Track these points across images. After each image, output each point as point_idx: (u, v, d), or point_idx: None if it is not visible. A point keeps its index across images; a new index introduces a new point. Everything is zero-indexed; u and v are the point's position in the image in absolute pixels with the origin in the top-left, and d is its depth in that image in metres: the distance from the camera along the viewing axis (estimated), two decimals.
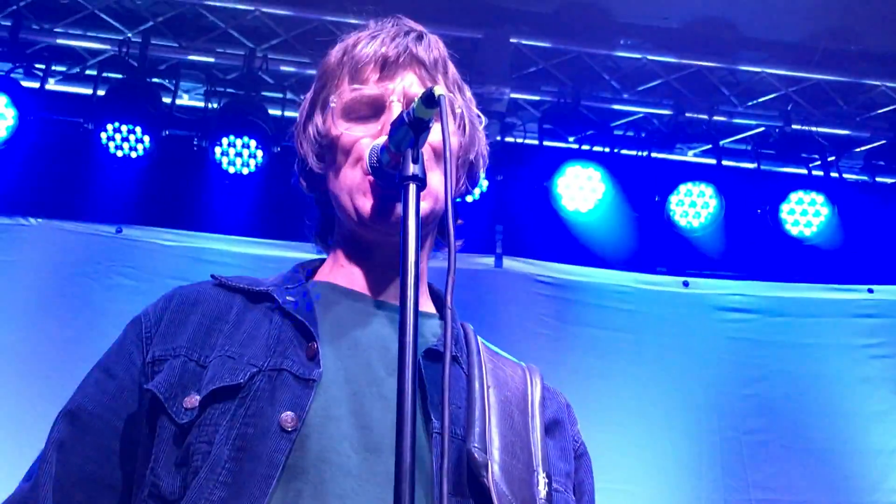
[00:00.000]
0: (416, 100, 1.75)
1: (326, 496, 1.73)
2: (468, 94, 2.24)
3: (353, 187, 2.02)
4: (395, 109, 2.01)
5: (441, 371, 1.67)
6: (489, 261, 6.38)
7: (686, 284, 6.50)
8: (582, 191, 6.33)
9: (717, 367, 6.25)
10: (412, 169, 1.75)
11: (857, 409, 6.16)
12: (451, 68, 2.19)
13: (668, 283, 6.50)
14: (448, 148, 1.75)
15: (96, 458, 1.90)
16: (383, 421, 1.80)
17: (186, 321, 1.98)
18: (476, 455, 1.83)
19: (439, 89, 1.73)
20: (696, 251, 6.56)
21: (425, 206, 1.89)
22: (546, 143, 6.59)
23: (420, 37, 2.14)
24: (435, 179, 1.94)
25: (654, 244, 6.57)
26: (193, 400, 1.82)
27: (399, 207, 1.75)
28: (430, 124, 1.77)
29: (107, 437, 1.92)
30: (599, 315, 6.33)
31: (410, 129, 1.77)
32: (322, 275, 2.15)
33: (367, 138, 2.02)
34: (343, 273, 2.11)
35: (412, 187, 1.74)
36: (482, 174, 2.27)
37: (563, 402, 2.18)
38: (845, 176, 6.75)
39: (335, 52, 2.16)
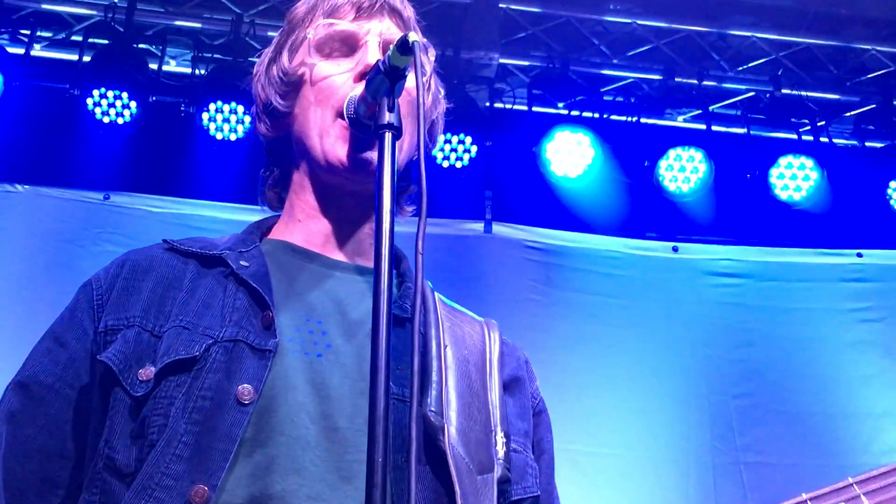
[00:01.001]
0: (392, 47, 1.70)
1: (285, 469, 1.71)
2: (432, 57, 2.18)
3: (324, 129, 1.96)
4: (372, 48, 1.98)
5: (405, 338, 1.67)
6: (478, 226, 6.35)
7: (675, 250, 6.48)
8: (571, 156, 6.28)
9: (707, 331, 6.24)
10: (388, 118, 1.70)
11: (845, 373, 6.17)
12: (418, 31, 2.14)
13: (657, 249, 6.48)
14: (421, 94, 1.70)
15: (49, 430, 1.86)
16: (341, 389, 1.79)
17: (139, 288, 1.93)
18: (432, 419, 1.81)
19: (414, 35, 1.69)
20: (685, 216, 6.54)
21: (399, 156, 1.83)
22: (535, 108, 6.56)
23: None
24: (407, 128, 1.87)
25: (644, 209, 6.54)
26: (148, 372, 1.78)
27: (373, 155, 1.71)
28: (406, 72, 1.72)
29: (59, 408, 1.87)
30: (589, 280, 6.30)
31: (386, 77, 1.72)
32: (277, 232, 2.09)
33: (340, 76, 1.97)
34: (300, 229, 2.05)
35: (388, 136, 1.69)
36: (439, 135, 2.23)
37: (521, 358, 2.14)
38: (835, 140, 6.72)
39: None
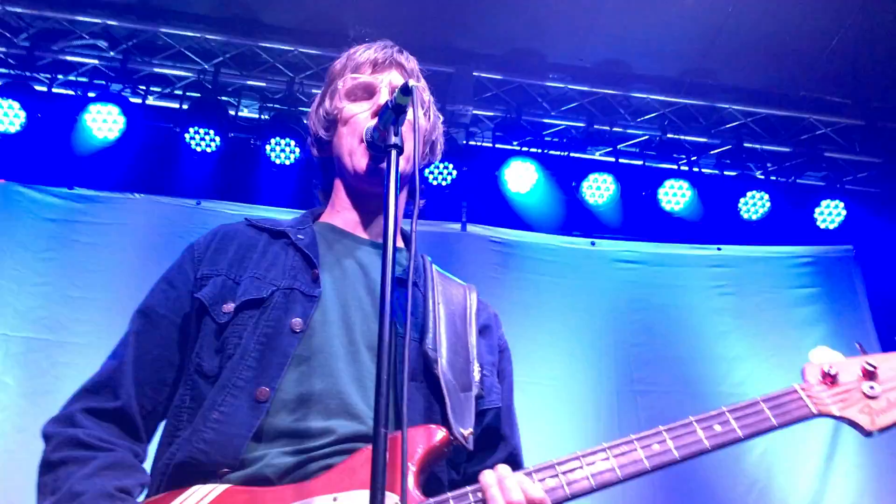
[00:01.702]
0: (397, 90, 1.73)
1: (322, 375, 1.74)
2: (431, 99, 2.19)
3: (352, 150, 2.00)
4: (384, 93, 1.99)
5: (405, 293, 1.71)
6: (457, 226, 6.32)
7: (593, 244, 6.48)
8: (522, 178, 6.28)
9: (613, 300, 6.23)
10: (393, 140, 1.73)
11: (709, 329, 6.18)
12: (422, 80, 2.16)
13: (580, 243, 6.47)
14: (417, 124, 1.75)
15: (162, 344, 1.88)
16: (362, 327, 1.82)
17: (226, 249, 1.96)
18: (429, 353, 1.84)
19: (413, 82, 1.72)
20: (600, 221, 6.53)
21: (402, 165, 1.86)
22: (497, 145, 6.54)
23: (401, 50, 2.13)
24: (408, 147, 1.91)
25: (571, 216, 6.52)
26: (230, 307, 1.82)
27: (383, 166, 1.73)
28: (406, 108, 1.74)
29: (169, 330, 1.89)
30: (533, 265, 6.29)
31: (392, 112, 1.74)
32: (323, 218, 2.12)
33: (363, 114, 1.99)
34: (339, 216, 2.07)
35: (394, 152, 1.71)
36: (440, 151, 2.23)
37: (491, 312, 2.16)
38: (703, 170, 6.72)
39: (340, 60, 2.15)
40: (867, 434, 1.61)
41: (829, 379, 1.63)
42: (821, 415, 1.65)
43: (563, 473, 1.64)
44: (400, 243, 2.09)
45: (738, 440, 1.64)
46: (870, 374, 1.61)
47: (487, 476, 1.64)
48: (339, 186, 2.09)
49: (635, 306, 6.23)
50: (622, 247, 6.45)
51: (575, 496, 1.63)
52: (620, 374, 5.95)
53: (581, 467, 1.64)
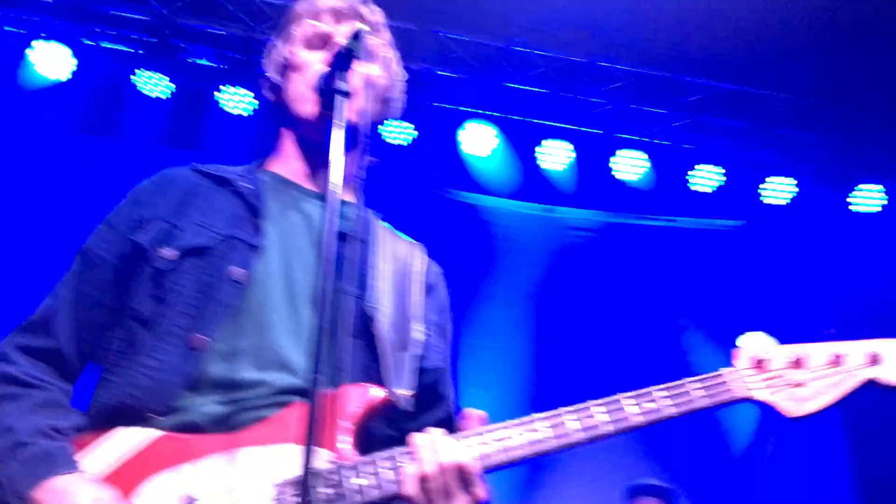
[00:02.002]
0: (350, 37, 1.70)
1: (260, 325, 1.74)
2: (395, 56, 2.13)
3: (302, 97, 1.96)
4: (338, 42, 1.94)
5: (349, 248, 1.68)
6: (416, 186, 6.25)
7: (548, 210, 6.51)
8: (480, 141, 6.27)
9: (565, 267, 6.35)
10: (340, 86, 1.70)
11: (657, 299, 6.29)
12: (387, 34, 2.10)
13: (535, 209, 6.54)
14: (369, 73, 1.71)
15: (99, 286, 1.86)
16: (303, 280, 1.81)
17: (169, 194, 1.92)
18: (370, 310, 1.83)
19: (364, 27, 1.69)
20: (556, 188, 6.51)
21: (351, 116, 1.80)
22: (459, 107, 6.42)
23: (365, 1, 2.07)
24: (362, 100, 1.89)
25: (529, 181, 6.50)
26: (169, 253, 1.79)
27: (331, 113, 1.68)
28: (358, 55, 1.71)
29: (106, 272, 1.86)
30: (487, 228, 6.41)
31: (343, 59, 1.72)
32: (272, 167, 2.06)
33: (317, 64, 1.94)
34: (287, 166, 2.03)
35: (340, 98, 1.68)
36: (397, 109, 2.16)
37: (437, 272, 2.13)
38: (661, 142, 6.71)
39: (301, 3, 2.08)
40: (793, 419, 1.67)
41: (759, 364, 1.69)
42: (746, 399, 1.69)
43: (499, 440, 1.66)
44: (351, 198, 2.05)
45: (666, 418, 1.68)
46: (798, 363, 1.68)
47: (419, 438, 1.65)
48: (288, 135, 2.04)
49: (586, 274, 6.29)
50: (577, 215, 6.48)
51: (509, 463, 1.65)
52: (568, 340, 6.04)
53: (517, 435, 1.67)
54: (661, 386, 1.72)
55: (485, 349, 5.71)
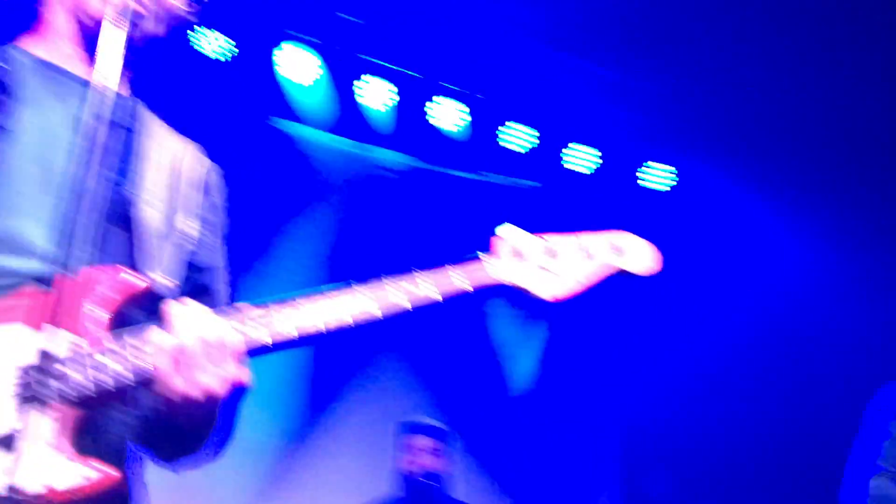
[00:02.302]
0: None
1: (4, 209, 1.68)
2: None
3: None
4: None
5: (112, 136, 1.59)
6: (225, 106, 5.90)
7: (358, 147, 6.43)
8: (299, 66, 5.98)
9: (368, 206, 6.25)
10: None
11: (457, 252, 6.39)
12: None
13: (345, 143, 6.40)
14: None
15: None
16: (59, 166, 1.72)
17: None
18: (132, 197, 1.79)
19: None
20: (373, 128, 6.38)
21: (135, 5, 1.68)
22: (283, 29, 6.06)
23: None
24: None
25: (346, 116, 6.32)
26: None
27: None
28: None
29: None
30: (293, 157, 6.21)
31: None
32: (28, 44, 1.90)
33: None
34: (49, 45, 1.89)
35: None
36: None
37: (217, 172, 2.07)
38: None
39: None
40: (547, 302, 1.88)
41: (516, 253, 1.88)
42: (502, 282, 1.86)
43: (262, 319, 1.66)
44: (123, 88, 1.92)
45: (433, 300, 1.78)
46: (551, 252, 1.90)
47: (175, 306, 1.61)
48: (52, 9, 1.88)
49: (388, 216, 6.29)
50: (386, 155, 6.43)
51: (275, 347, 1.65)
52: (358, 273, 6.05)
53: (280, 318, 1.67)
54: (424, 271, 1.81)
55: (274, 277, 5.61)
